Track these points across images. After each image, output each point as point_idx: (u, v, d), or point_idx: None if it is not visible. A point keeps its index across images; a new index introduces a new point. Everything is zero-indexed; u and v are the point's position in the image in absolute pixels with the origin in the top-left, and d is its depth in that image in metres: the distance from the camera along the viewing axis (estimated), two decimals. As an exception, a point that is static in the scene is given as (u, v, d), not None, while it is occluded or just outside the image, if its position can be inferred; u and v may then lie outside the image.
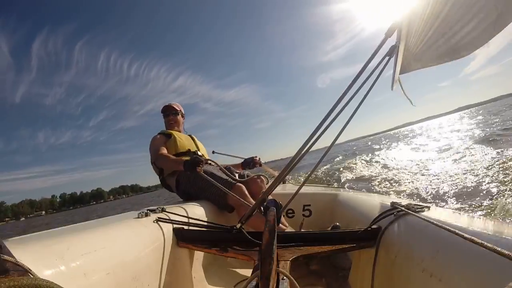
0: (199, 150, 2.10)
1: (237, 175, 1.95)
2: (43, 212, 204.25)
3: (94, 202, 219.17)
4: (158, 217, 1.06)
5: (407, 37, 0.96)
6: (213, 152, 2.43)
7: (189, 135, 2.26)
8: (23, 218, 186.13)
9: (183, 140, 2.06)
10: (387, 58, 0.99)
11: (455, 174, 5.15)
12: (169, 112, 2.21)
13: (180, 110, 2.26)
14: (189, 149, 2.01)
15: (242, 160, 2.30)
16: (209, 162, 1.89)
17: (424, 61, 1.14)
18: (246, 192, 1.62)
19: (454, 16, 0.88)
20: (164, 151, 1.93)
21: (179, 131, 2.21)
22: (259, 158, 2.27)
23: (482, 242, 0.56)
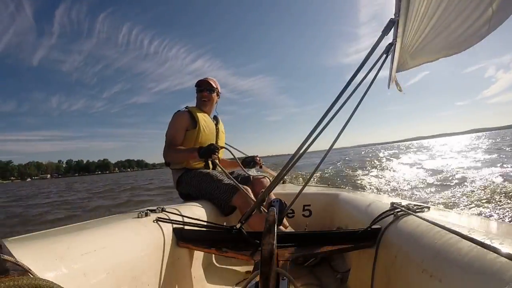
0: (216, 143, 1.96)
1: (240, 176, 1.92)
2: (48, 176, 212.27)
3: (99, 172, 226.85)
4: (158, 217, 1.06)
5: (403, 35, 0.96)
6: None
7: (216, 119, 2.08)
8: (29, 179, 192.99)
9: (206, 134, 1.89)
10: (384, 56, 0.98)
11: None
12: (204, 87, 1.97)
13: (217, 88, 2.03)
14: None
15: (243, 157, 2.17)
16: (225, 148, 1.82)
17: (420, 58, 1.14)
18: (252, 196, 1.60)
19: (450, 14, 0.89)
20: (178, 143, 1.78)
21: (209, 112, 2.03)
22: (260, 159, 2.16)
23: (482, 242, 0.56)
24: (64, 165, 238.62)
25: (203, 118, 1.91)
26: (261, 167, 2.21)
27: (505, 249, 0.51)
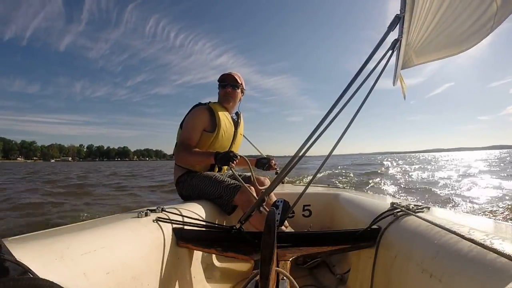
0: (231, 148, 1.87)
1: (241, 176, 1.82)
2: (70, 158, 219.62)
3: (119, 159, 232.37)
4: (158, 217, 1.06)
5: (408, 31, 0.96)
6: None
7: (237, 116, 1.94)
8: (53, 160, 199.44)
9: (223, 139, 1.78)
10: (390, 52, 0.97)
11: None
12: (227, 83, 1.82)
13: (241, 84, 1.87)
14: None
15: (256, 156, 2.03)
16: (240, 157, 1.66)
17: (425, 56, 1.13)
18: (255, 194, 1.57)
19: (455, 10, 0.88)
20: (194, 144, 1.68)
21: (232, 109, 1.89)
22: (276, 164, 1.95)
23: (482, 242, 0.56)
24: (85, 149, 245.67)
25: (225, 121, 1.78)
26: (277, 173, 1.97)
27: (505, 249, 0.51)
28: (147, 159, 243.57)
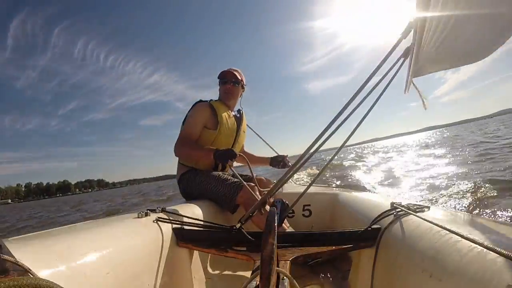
0: (234, 145, 1.88)
1: (242, 177, 1.85)
2: (9, 200, 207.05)
3: (60, 194, 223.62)
4: (158, 217, 1.06)
5: (422, 38, 0.94)
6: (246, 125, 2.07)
7: (239, 113, 1.96)
8: None
9: (225, 137, 1.78)
10: (401, 59, 0.96)
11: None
12: (227, 79, 1.84)
13: (242, 80, 1.88)
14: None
15: (269, 156, 2.03)
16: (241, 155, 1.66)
17: (439, 64, 1.11)
18: (258, 193, 1.57)
19: (469, 18, 0.87)
20: (194, 138, 1.69)
21: (233, 106, 1.92)
22: (289, 161, 1.91)
23: (482, 242, 0.56)
24: (23, 189, 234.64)
25: (226, 118, 1.79)
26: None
27: (505, 249, 0.51)
28: (90, 190, 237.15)
